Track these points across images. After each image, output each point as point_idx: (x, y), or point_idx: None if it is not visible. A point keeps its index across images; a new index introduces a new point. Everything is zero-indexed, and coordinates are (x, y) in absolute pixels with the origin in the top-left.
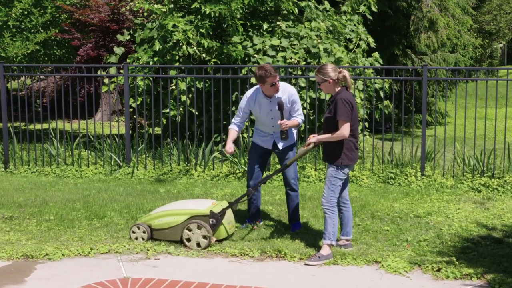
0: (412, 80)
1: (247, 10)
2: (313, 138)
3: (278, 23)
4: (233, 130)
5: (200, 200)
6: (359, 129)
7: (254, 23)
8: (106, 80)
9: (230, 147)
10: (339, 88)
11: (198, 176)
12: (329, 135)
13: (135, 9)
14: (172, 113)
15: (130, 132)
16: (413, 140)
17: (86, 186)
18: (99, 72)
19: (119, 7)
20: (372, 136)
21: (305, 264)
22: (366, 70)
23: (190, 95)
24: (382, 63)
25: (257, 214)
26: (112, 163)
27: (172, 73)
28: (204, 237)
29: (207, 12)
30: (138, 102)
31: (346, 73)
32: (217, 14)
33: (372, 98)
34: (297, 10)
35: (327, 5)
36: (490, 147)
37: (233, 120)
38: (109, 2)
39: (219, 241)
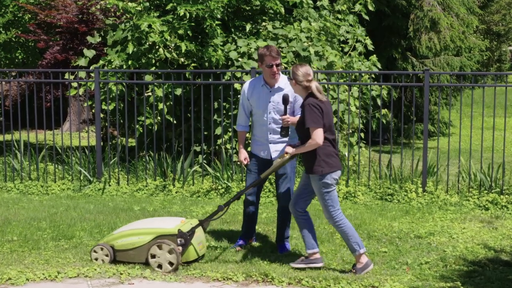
0: (413, 86)
1: (229, 10)
2: (289, 149)
3: (264, 23)
4: (242, 133)
5: (168, 218)
6: (337, 137)
7: (237, 23)
8: (74, 84)
9: (241, 155)
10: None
11: (176, 192)
12: (303, 146)
13: (108, 6)
14: (148, 121)
15: (102, 143)
16: (414, 152)
17: (52, 203)
18: (66, 76)
19: (88, 7)
20: (368, 148)
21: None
22: (362, 75)
23: (167, 103)
24: (380, 67)
25: (252, 232)
26: (82, 178)
27: (148, 78)
28: (171, 260)
29: (182, 14)
30: (111, 108)
31: (313, 86)
32: (193, 15)
33: (369, 106)
34: (283, 10)
35: (325, 1)
36: (498, 160)
37: (238, 121)
38: (77, 1)
39: (188, 263)
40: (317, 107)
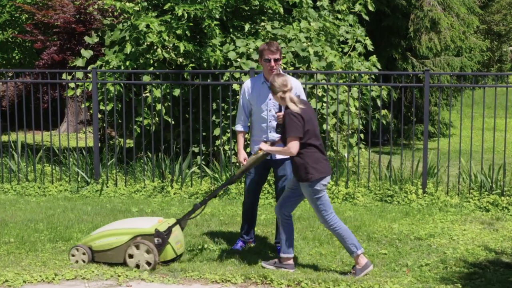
0: (413, 86)
1: (228, 9)
2: (263, 146)
3: (263, 24)
4: (241, 134)
5: (146, 217)
6: (321, 139)
7: (236, 23)
8: (72, 85)
9: (241, 156)
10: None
11: (174, 193)
12: (279, 148)
13: (106, 6)
14: (146, 122)
15: (99, 144)
16: (414, 153)
17: (50, 204)
18: (64, 77)
19: (85, 7)
20: (368, 149)
21: None
22: (362, 76)
23: (165, 103)
24: (380, 67)
25: (251, 233)
26: (79, 179)
27: (146, 78)
28: (148, 259)
29: (180, 14)
30: (109, 109)
31: (287, 97)
32: (192, 15)
33: (369, 106)
34: (282, 10)
35: (324, 1)
36: (499, 161)
37: (237, 121)
38: (75, 1)
39: (165, 262)
40: (297, 116)
